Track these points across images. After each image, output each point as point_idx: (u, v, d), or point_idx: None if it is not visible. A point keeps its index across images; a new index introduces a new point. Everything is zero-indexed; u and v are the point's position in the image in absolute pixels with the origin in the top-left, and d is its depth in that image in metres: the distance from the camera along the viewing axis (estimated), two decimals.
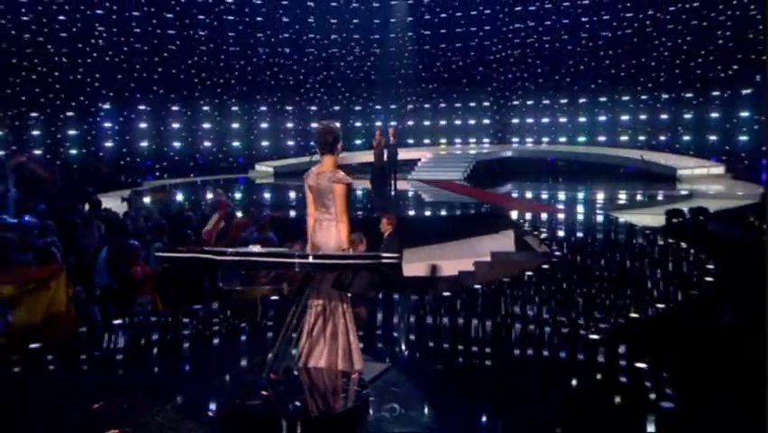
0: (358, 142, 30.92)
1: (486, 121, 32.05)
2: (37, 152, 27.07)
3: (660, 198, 20.56)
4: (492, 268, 11.67)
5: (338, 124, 5.79)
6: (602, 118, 30.19)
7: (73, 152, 29.04)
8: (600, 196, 21.96)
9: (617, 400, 5.42)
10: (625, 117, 29.82)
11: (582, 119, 30.30)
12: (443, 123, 33.08)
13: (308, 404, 4.87)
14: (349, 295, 5.49)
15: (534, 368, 6.44)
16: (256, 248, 5.34)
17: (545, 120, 31.38)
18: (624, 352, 6.20)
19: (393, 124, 26.40)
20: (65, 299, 7.18)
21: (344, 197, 5.34)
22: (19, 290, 6.89)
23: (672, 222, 16.12)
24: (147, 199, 19.91)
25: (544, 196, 21.73)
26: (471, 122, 32.78)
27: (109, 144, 29.94)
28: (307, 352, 5.32)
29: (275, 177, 28.13)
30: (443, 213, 18.76)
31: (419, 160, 27.44)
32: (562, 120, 31.08)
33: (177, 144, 30.81)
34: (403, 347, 7.14)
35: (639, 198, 21.57)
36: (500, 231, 15.22)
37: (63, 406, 5.45)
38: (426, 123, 33.32)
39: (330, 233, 5.40)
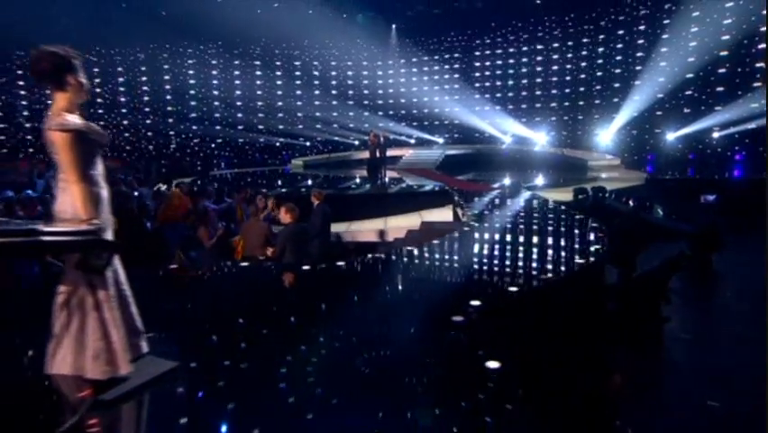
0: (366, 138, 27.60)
1: (456, 121, 28.21)
2: None
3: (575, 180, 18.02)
4: (420, 235, 8.96)
5: (69, 50, 2.56)
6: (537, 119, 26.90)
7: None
8: (538, 180, 19.04)
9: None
10: (553, 118, 26.70)
11: (524, 119, 26.88)
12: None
13: None
14: (109, 278, 2.61)
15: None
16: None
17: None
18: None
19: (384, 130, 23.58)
20: None
21: (69, 148, 2.45)
22: None
23: (578, 198, 13.68)
24: None
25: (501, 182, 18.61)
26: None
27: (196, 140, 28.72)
28: (51, 355, 2.56)
29: (305, 168, 25.49)
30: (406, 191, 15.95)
31: (402, 156, 24.78)
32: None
33: (241, 140, 28.58)
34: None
35: (561, 181, 18.93)
36: (445, 206, 12.58)
37: None
38: None
39: (65, 198, 2.53)
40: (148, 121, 29.10)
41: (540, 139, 25.85)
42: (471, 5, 26.49)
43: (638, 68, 23.08)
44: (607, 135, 24.51)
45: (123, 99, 28.95)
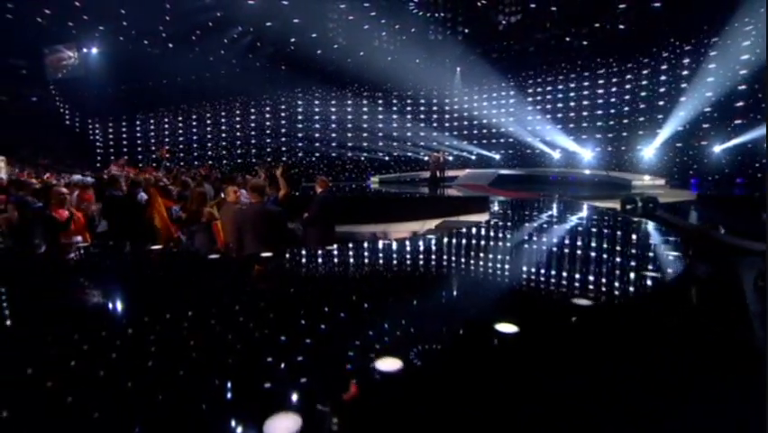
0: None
1: (511, 140, 24.76)
2: None
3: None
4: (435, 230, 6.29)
5: None
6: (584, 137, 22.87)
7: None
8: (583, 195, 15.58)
9: None
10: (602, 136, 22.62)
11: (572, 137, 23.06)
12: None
13: None
14: None
15: None
16: None
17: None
18: None
19: (443, 150, 20.61)
20: None
21: None
22: None
23: (626, 207, 10.05)
24: None
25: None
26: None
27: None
28: None
29: (380, 183, 23.47)
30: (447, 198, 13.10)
31: (458, 176, 22.23)
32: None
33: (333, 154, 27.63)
34: None
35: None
36: (484, 211, 9.72)
37: None
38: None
39: None
40: (268, 140, 28.55)
41: (586, 155, 22.03)
42: (524, 48, 23.25)
43: (683, 84, 18.66)
44: (649, 152, 20.42)
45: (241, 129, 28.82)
